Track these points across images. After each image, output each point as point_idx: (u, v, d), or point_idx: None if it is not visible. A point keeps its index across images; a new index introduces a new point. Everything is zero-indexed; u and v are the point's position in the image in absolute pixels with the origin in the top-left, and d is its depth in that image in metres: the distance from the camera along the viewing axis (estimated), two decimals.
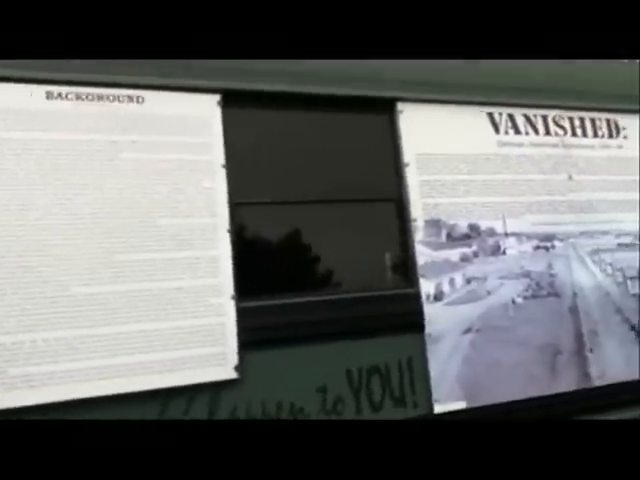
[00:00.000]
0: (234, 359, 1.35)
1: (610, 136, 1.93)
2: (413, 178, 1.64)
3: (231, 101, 1.45)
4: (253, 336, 1.36)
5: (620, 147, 1.93)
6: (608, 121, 1.94)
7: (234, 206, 1.41)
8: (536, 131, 1.83)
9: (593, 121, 1.92)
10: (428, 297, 1.58)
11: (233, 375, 1.35)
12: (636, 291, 1.82)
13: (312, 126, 1.59)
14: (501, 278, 1.68)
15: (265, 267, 1.46)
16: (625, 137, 1.95)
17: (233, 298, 1.37)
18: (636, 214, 1.88)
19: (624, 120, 1.96)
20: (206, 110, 1.43)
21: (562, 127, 1.87)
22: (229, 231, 1.39)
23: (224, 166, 1.42)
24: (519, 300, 1.68)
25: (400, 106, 1.66)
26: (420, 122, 1.68)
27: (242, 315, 1.37)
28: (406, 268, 1.60)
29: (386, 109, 1.66)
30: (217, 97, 1.45)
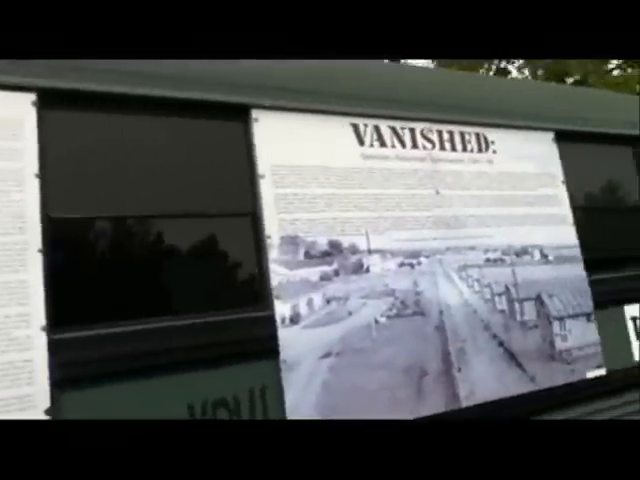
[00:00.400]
0: (45, 401, 1.16)
1: (480, 150, 1.90)
2: (268, 191, 1.51)
3: (50, 101, 1.27)
4: (70, 373, 1.18)
5: (490, 162, 1.91)
6: (477, 135, 1.91)
7: (49, 221, 1.22)
8: (403, 144, 1.76)
9: (462, 135, 1.88)
10: (283, 320, 1.45)
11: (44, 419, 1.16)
12: (504, 307, 1.79)
13: (153, 133, 1.43)
14: (363, 297, 1.58)
15: (87, 292, 1.28)
16: (494, 152, 1.93)
17: (44, 329, 1.18)
18: (504, 229, 1.85)
19: (493, 134, 1.94)
20: (17, 111, 1.24)
21: (430, 140, 1.81)
22: (41, 251, 1.20)
23: (38, 176, 1.23)
24: (382, 320, 1.59)
25: (255, 113, 1.54)
26: (278, 131, 1.56)
27: (56, 349, 1.18)
28: (260, 289, 1.47)
29: (239, 116, 1.53)
30: (32, 96, 1.26)
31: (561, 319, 1.85)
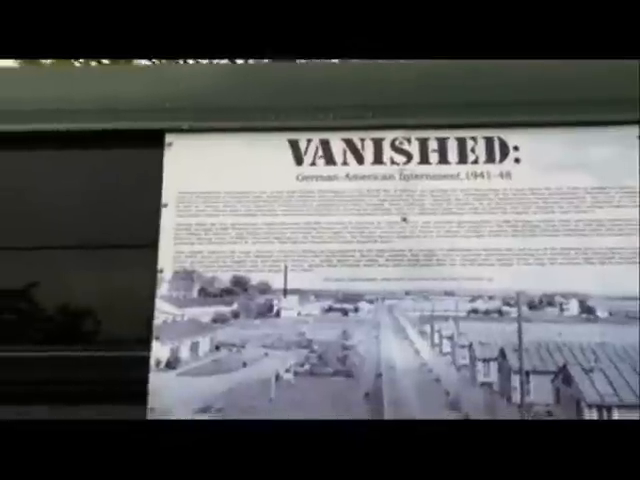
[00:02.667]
0: None
1: (490, 160, 1.40)
2: (168, 221, 1.40)
3: None
4: None
5: (505, 175, 1.39)
6: (489, 140, 1.42)
7: None
8: (360, 160, 1.42)
9: (462, 141, 1.42)
10: (158, 363, 1.31)
11: None
12: (490, 379, 1.26)
13: (62, 164, 1.47)
14: (266, 347, 1.32)
15: None
16: (517, 160, 1.40)
17: None
18: (516, 269, 1.32)
19: (517, 137, 1.41)
20: None
21: (405, 153, 1.42)
22: None
23: None
24: (287, 377, 1.29)
25: (169, 138, 1.44)
26: (192, 155, 1.43)
27: None
28: (142, 328, 1.36)
29: (153, 142, 1.45)
30: None
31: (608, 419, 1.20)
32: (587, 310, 1.26)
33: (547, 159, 1.39)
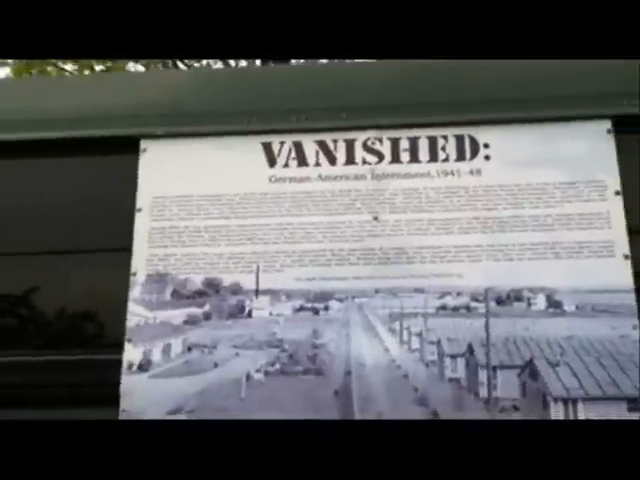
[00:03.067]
0: None
1: (461, 158, 1.41)
2: (142, 225, 1.42)
3: None
4: None
5: (475, 173, 1.39)
6: (459, 138, 1.42)
7: None
8: (332, 161, 1.43)
9: (433, 140, 1.42)
10: (130, 366, 1.33)
11: None
12: (458, 374, 1.26)
13: (38, 172, 1.50)
14: (237, 347, 1.32)
15: None
16: (487, 158, 1.40)
17: None
18: (486, 265, 1.32)
19: (487, 134, 1.42)
20: None
21: (376, 152, 1.43)
22: None
23: None
24: (257, 376, 1.30)
25: (144, 144, 1.47)
26: (167, 160, 1.46)
27: None
28: (115, 331, 1.37)
29: (129, 149, 1.48)
30: None
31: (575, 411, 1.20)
32: (554, 304, 1.26)
33: (517, 155, 1.39)
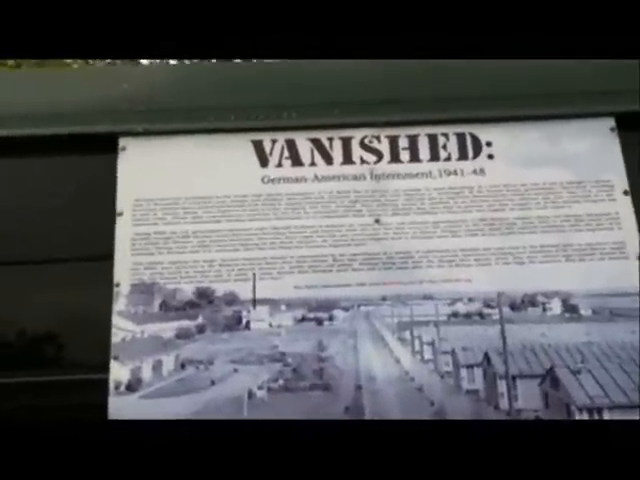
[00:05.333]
0: None
1: (463, 157, 1.35)
2: (123, 230, 1.29)
3: None
4: None
5: (479, 172, 1.34)
6: (460, 136, 1.36)
7: None
8: (328, 160, 1.34)
9: (433, 138, 1.36)
10: (117, 386, 1.20)
11: None
12: (475, 386, 1.20)
13: (8, 172, 1.35)
14: (235, 362, 1.22)
15: None
16: (490, 157, 1.35)
17: None
18: (496, 269, 1.26)
19: (489, 132, 1.36)
20: None
21: (375, 151, 1.35)
22: None
23: None
24: (260, 394, 1.20)
25: (123, 142, 1.34)
26: (149, 160, 1.33)
27: None
28: (99, 348, 1.24)
29: (107, 147, 1.34)
30: None
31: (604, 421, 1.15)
32: (570, 309, 1.22)
33: (521, 154, 1.35)
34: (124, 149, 1.33)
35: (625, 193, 1.29)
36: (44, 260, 1.28)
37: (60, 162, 1.34)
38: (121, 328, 1.23)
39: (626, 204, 1.28)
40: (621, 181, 1.30)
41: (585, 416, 1.11)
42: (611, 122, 1.35)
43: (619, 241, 1.25)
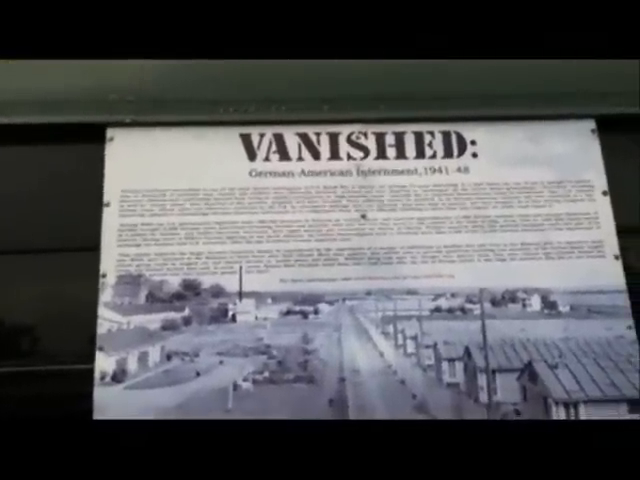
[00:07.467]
0: None
1: (448, 155, 1.37)
2: (110, 221, 1.29)
3: None
4: None
5: (463, 170, 1.36)
6: (446, 134, 1.38)
7: None
8: (316, 155, 1.35)
9: (419, 136, 1.38)
10: (103, 377, 1.20)
11: None
12: (455, 379, 1.23)
13: None
14: (221, 354, 1.23)
15: None
16: (475, 155, 1.37)
17: None
18: (478, 265, 1.29)
19: (474, 131, 1.39)
20: None
21: (362, 147, 1.36)
22: None
23: None
24: (245, 385, 1.21)
25: (110, 132, 1.34)
26: (136, 151, 1.33)
27: None
28: (84, 339, 1.24)
29: (95, 137, 1.34)
30: None
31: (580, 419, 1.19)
32: (549, 305, 1.25)
33: (504, 153, 1.37)
34: (112, 139, 1.33)
35: (604, 193, 1.32)
36: (29, 250, 1.28)
37: (46, 151, 1.34)
38: (107, 319, 1.23)
39: (605, 204, 1.32)
40: (600, 182, 1.33)
41: (562, 410, 1.14)
42: (592, 124, 1.38)
43: (597, 240, 1.29)
